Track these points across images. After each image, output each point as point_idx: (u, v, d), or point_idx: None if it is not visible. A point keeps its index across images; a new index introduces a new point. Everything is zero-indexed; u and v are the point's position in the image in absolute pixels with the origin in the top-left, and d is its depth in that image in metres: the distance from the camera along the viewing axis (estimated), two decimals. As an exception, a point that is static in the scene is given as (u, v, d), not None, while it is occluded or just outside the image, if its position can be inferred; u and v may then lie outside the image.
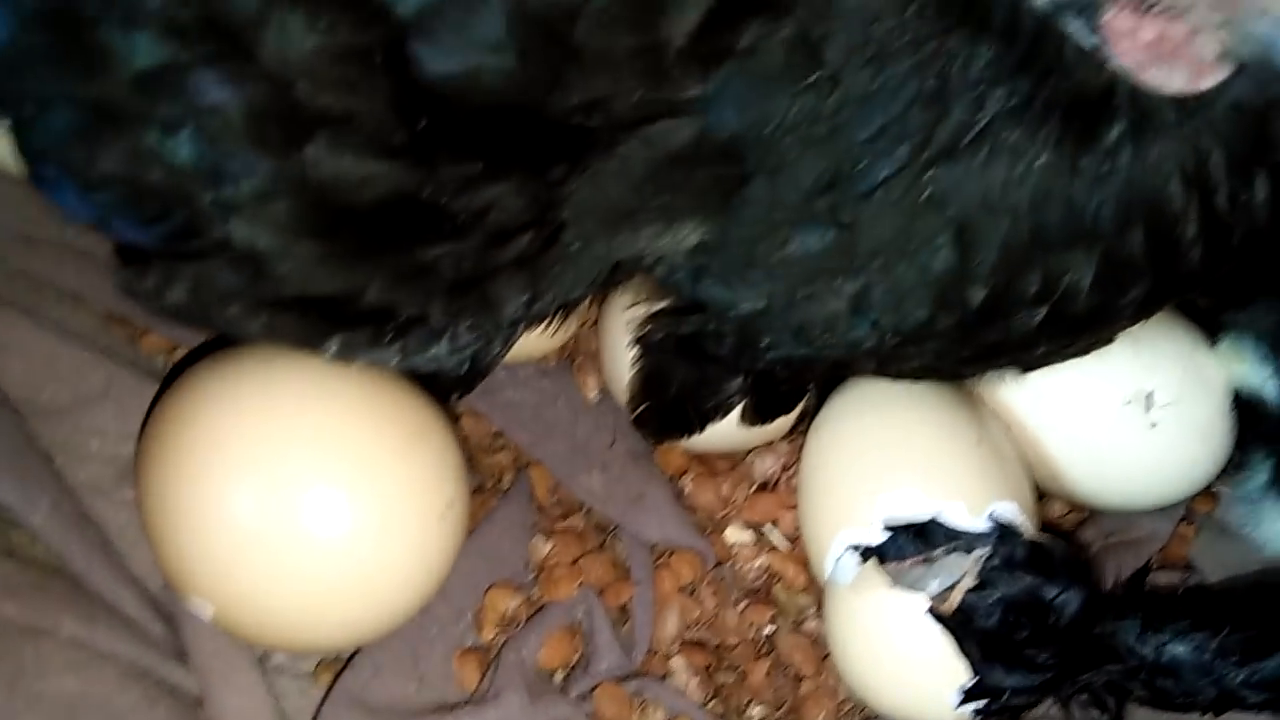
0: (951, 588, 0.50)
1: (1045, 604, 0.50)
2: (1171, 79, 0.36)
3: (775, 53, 0.36)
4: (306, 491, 0.45)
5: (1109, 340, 0.53)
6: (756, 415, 0.55)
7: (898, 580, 0.51)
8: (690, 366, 0.52)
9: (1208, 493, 0.61)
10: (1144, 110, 0.38)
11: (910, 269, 0.42)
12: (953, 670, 0.50)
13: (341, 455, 0.46)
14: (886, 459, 0.53)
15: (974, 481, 0.52)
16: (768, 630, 0.57)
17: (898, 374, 0.52)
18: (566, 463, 0.56)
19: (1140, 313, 0.47)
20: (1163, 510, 0.61)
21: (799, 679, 0.55)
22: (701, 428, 0.56)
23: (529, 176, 0.39)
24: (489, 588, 0.53)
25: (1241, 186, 0.38)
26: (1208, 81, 0.36)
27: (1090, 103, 0.38)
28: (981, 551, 0.51)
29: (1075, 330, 0.45)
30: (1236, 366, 0.56)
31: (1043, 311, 0.43)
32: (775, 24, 0.36)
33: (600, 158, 0.40)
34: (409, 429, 0.45)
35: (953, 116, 0.38)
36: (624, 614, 0.55)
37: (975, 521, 0.51)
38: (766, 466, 0.60)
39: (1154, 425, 0.55)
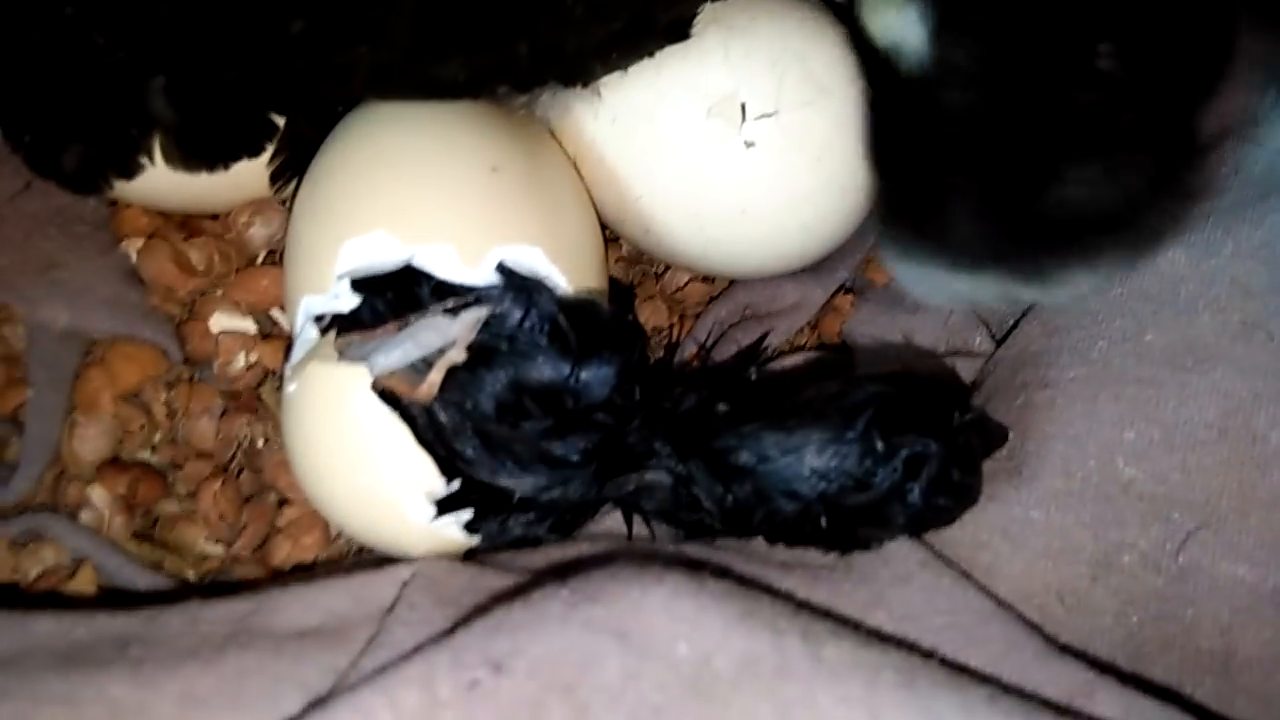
0: (430, 363, 0.36)
1: (563, 384, 0.36)
2: None
3: None
4: None
5: (678, 34, 0.38)
6: (183, 151, 0.39)
7: (347, 354, 0.35)
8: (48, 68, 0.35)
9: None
10: None
11: None
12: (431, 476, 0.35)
13: None
14: (364, 196, 0.37)
15: (479, 219, 0.36)
16: (256, 444, 0.42)
17: (343, 81, 0.36)
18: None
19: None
20: (815, 274, 0.47)
21: (281, 505, 0.40)
22: (125, 172, 0.40)
23: None
24: None
25: None
26: None
27: None
28: (477, 313, 0.36)
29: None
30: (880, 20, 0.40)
31: None
32: None
33: None
34: None
35: None
36: (15, 428, 0.39)
37: (474, 272, 0.36)
38: (268, 230, 0.44)
39: (750, 145, 0.40)
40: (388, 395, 0.34)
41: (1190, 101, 0.37)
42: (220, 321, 0.43)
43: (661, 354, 0.45)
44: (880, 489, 0.32)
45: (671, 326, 0.47)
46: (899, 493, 0.33)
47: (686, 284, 0.47)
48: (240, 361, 0.42)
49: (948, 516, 0.34)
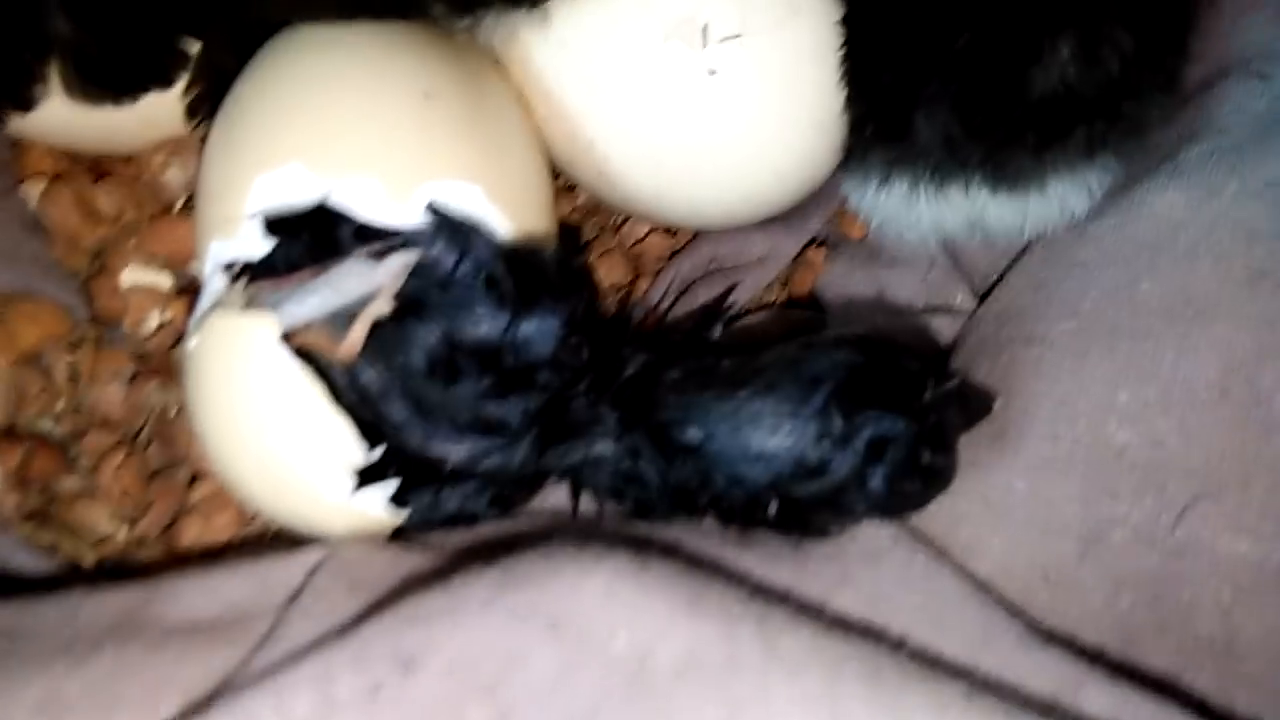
0: (352, 315, 0.32)
1: (501, 339, 0.32)
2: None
3: None
4: None
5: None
6: (85, 79, 0.35)
7: (257, 303, 0.31)
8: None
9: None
10: None
11: None
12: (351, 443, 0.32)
13: None
14: (280, 125, 0.33)
15: (410, 151, 0.33)
16: (168, 413, 0.38)
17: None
18: None
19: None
20: (785, 225, 0.43)
21: (193, 481, 0.36)
22: (21, 102, 0.36)
23: None
24: None
25: None
26: None
27: None
28: (405, 258, 0.33)
29: None
30: None
31: None
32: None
33: None
34: None
35: None
36: (-105, 393, 0.36)
37: (402, 209, 0.32)
38: (186, 174, 0.40)
39: (713, 72, 0.37)
40: (304, 352, 0.31)
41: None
42: (131, 276, 0.39)
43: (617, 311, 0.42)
44: (837, 476, 0.29)
45: (631, 283, 0.44)
46: (859, 479, 0.29)
47: (646, 236, 0.44)
48: (153, 321, 0.38)
49: (916, 502, 0.31)
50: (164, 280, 0.39)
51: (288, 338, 0.30)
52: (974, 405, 0.34)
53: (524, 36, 0.38)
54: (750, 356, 0.32)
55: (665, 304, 0.40)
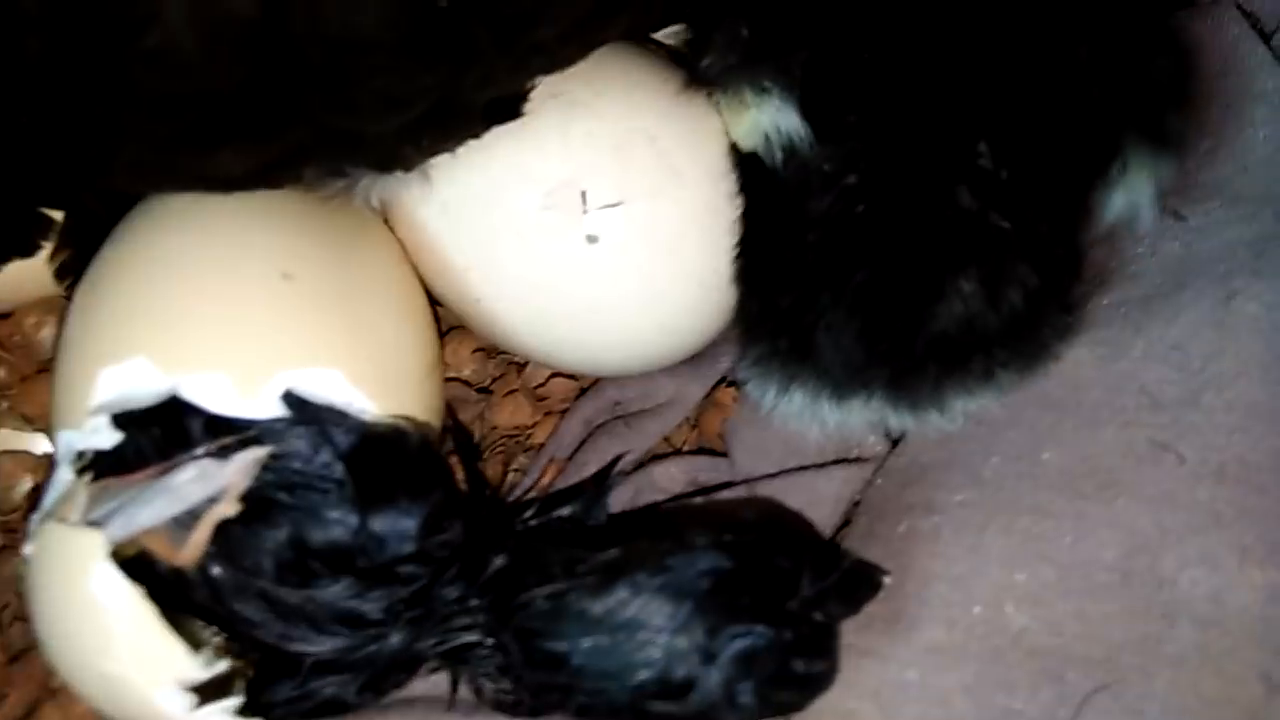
0: (196, 516, 0.31)
1: (351, 542, 0.30)
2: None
3: None
4: None
5: (507, 114, 0.33)
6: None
7: (94, 509, 0.30)
8: None
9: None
10: None
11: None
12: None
13: None
14: (129, 312, 0.32)
15: (263, 339, 0.31)
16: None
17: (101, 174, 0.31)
18: None
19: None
20: (693, 367, 0.42)
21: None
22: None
23: None
24: None
25: None
26: None
27: None
28: (254, 454, 0.31)
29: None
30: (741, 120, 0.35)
31: None
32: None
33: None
34: None
35: None
36: None
37: (253, 403, 0.31)
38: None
39: (593, 239, 0.36)
40: (141, 559, 0.29)
41: (1073, 205, 0.33)
42: (2, 439, 0.38)
43: (515, 464, 0.40)
44: (704, 693, 0.27)
45: (534, 424, 0.42)
46: (727, 695, 0.27)
47: (549, 379, 0.42)
48: (24, 487, 0.37)
49: (793, 708, 0.29)
50: (37, 444, 0.38)
51: (116, 551, 0.29)
52: (862, 587, 0.32)
53: (406, 195, 0.36)
54: (624, 551, 0.31)
55: (559, 461, 0.39)
